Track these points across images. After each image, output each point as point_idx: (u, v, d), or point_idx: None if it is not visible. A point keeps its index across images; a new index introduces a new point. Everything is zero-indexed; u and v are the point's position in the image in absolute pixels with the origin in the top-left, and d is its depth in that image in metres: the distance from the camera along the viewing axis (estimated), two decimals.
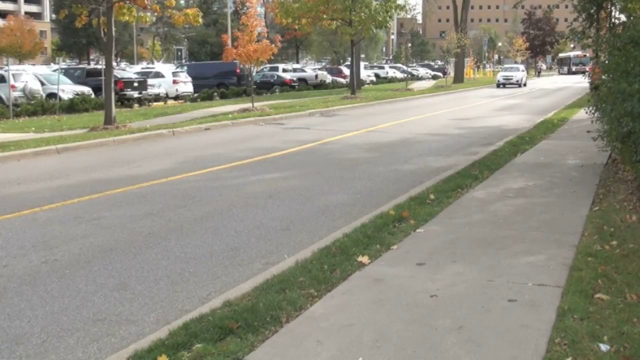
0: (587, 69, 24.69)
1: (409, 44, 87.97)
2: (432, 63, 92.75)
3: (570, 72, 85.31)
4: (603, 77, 10.77)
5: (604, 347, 4.13)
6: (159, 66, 50.27)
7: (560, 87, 50.39)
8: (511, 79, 51.00)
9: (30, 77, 28.15)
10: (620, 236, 6.68)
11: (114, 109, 19.37)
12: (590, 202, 8.44)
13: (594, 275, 5.44)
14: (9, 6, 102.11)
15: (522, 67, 57.58)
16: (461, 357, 4.09)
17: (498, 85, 50.29)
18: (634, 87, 7.87)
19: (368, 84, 52.43)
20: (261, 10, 69.88)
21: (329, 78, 49.53)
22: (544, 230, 7.16)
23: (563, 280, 5.44)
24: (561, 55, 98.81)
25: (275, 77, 44.35)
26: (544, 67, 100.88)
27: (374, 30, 39.11)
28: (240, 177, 11.40)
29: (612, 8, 17.03)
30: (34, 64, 60.96)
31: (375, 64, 77.47)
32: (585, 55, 77.25)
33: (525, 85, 52.13)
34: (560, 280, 5.44)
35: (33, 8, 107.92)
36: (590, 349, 4.12)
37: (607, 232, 6.86)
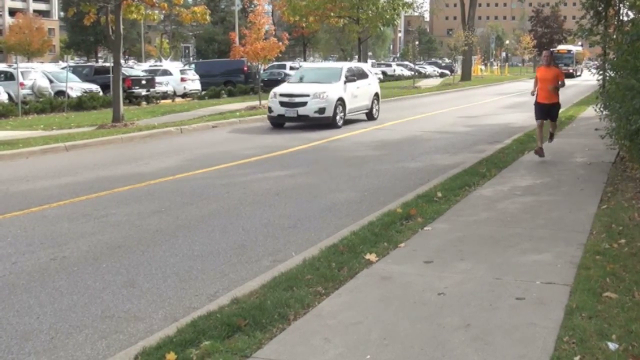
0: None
1: (416, 42, 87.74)
2: (440, 61, 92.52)
3: None
4: (611, 73, 10.73)
5: (612, 346, 4.12)
6: (166, 64, 50.33)
7: (570, 84, 50.12)
8: (302, 102, 18.88)
9: (38, 74, 28.25)
10: (629, 234, 6.66)
11: (122, 107, 19.41)
12: (598, 200, 8.42)
13: (602, 274, 5.42)
14: (17, 4, 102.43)
15: (348, 67, 21.53)
16: (469, 355, 4.09)
17: (274, 123, 19.62)
18: None
19: None
20: (268, 8, 69.86)
21: None
22: (551, 228, 7.14)
23: (571, 278, 5.42)
24: None
25: (283, 75, 44.24)
26: None
27: (381, 28, 39.06)
28: (247, 175, 11.41)
29: (621, 5, 16.94)
30: (42, 62, 61.16)
31: (382, 62, 77.33)
32: (569, 51, 67.47)
33: (373, 117, 21.44)
34: (568, 278, 5.43)
35: (41, 6, 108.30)
36: (599, 348, 4.11)
37: (615, 231, 6.84)
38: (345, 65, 21.44)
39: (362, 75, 21.50)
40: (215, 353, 4.16)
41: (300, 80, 20.90)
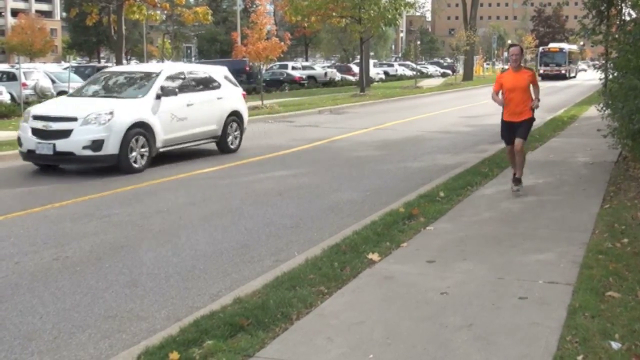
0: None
1: (418, 42, 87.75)
2: (441, 61, 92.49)
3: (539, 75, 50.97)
4: (614, 73, 10.72)
5: (615, 345, 4.12)
6: (168, 64, 50.42)
7: (570, 84, 50.14)
8: (64, 131, 11.00)
9: (41, 75, 28.28)
10: (631, 234, 6.66)
11: None
12: (601, 200, 8.41)
13: (605, 273, 5.42)
14: (20, 5, 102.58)
15: (172, 70, 13.34)
16: (471, 355, 4.09)
17: (35, 163, 11.82)
18: None
19: (377, 81, 52.37)
20: (270, 8, 69.88)
21: (338, 76, 49.45)
22: (554, 228, 7.14)
23: (573, 278, 5.42)
24: None
25: (285, 75, 44.31)
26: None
27: (383, 28, 38.97)
28: (249, 175, 11.42)
29: (623, 4, 16.92)
30: (44, 62, 61.20)
31: (384, 62, 77.32)
32: (561, 50, 60.64)
33: (229, 148, 14.01)
34: (570, 278, 5.43)
35: (44, 6, 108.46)
36: (601, 347, 4.11)
37: (617, 230, 6.83)
38: (165, 69, 13.35)
39: (204, 84, 13.82)
40: (218, 352, 4.16)
41: (89, 92, 13.07)
